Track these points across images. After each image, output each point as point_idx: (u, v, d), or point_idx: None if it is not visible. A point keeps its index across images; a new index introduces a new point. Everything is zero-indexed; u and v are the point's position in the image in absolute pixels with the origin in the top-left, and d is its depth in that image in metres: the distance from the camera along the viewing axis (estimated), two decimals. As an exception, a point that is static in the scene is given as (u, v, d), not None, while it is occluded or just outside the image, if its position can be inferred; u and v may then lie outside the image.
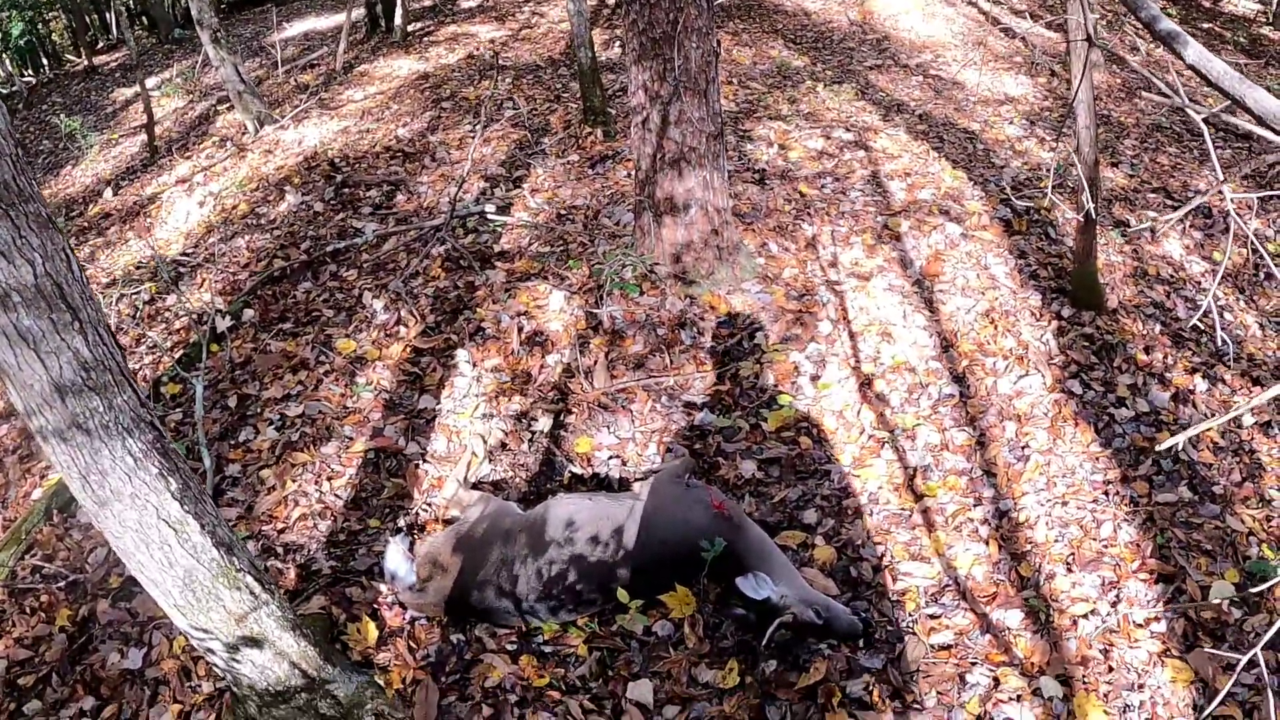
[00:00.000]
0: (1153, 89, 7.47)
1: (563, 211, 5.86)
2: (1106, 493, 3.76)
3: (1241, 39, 9.90)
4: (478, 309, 4.91)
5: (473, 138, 6.95)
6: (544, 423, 4.27)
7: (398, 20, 10.70)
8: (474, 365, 4.57)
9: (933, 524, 3.71)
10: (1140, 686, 2.99)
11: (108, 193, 8.12)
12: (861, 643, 3.22)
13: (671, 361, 4.56)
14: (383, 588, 3.52)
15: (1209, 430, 4.06)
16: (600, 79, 6.97)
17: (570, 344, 4.64)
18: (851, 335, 4.68)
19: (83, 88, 13.00)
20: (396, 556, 3.51)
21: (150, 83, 10.99)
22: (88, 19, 16.61)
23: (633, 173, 5.08)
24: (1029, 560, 3.50)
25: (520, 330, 4.74)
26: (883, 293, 4.94)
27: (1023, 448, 4.02)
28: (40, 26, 15.34)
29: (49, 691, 3.28)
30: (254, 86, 8.55)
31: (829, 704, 3.00)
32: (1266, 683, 2.08)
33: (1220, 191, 1.64)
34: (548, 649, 3.28)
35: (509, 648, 3.28)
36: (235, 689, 2.85)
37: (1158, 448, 3.83)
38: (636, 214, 5.08)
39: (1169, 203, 6.02)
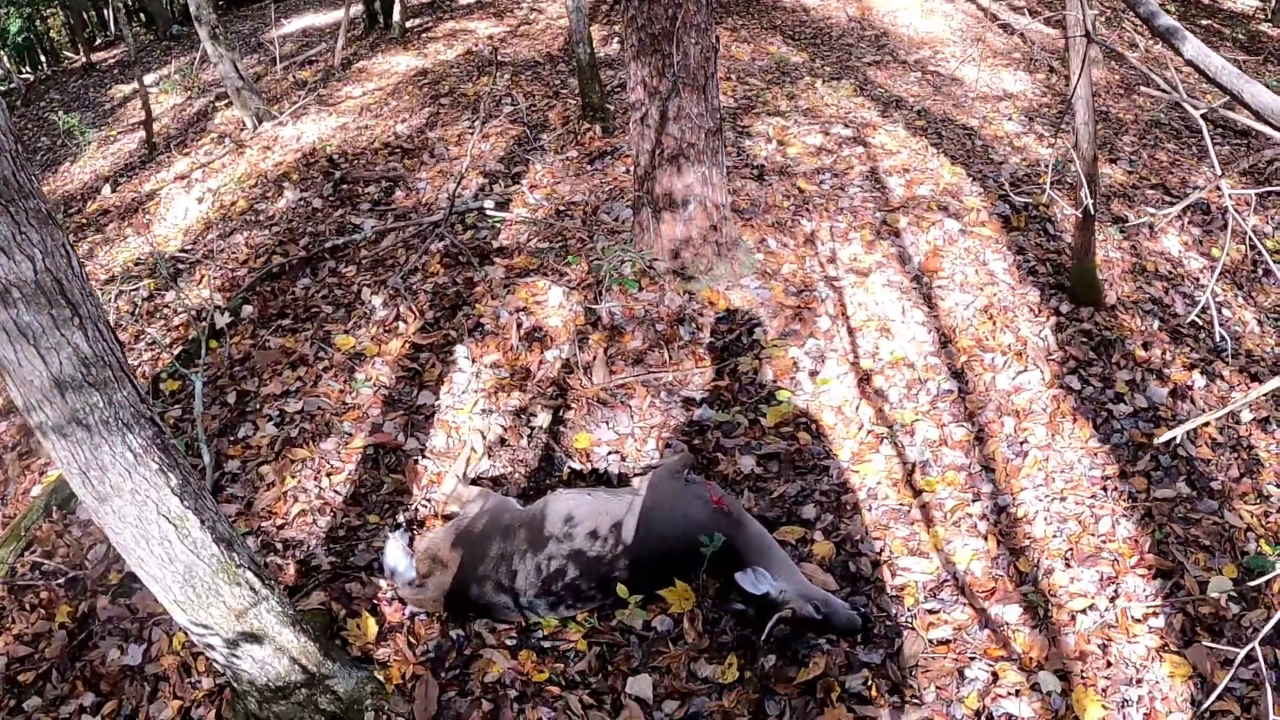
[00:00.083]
0: (1151, 85, 7.47)
1: (561, 207, 5.86)
2: (1105, 488, 3.77)
3: (1240, 35, 9.91)
4: (477, 305, 4.91)
5: (471, 134, 6.95)
6: (543, 418, 4.27)
7: (396, 16, 10.69)
8: (473, 361, 4.58)
9: (931, 519, 3.72)
10: (1138, 681, 3.00)
11: (106, 189, 8.11)
12: (860, 638, 3.22)
13: (670, 357, 4.57)
14: (382, 583, 3.52)
15: (1207, 426, 4.07)
16: (599, 75, 6.96)
17: (569, 340, 4.64)
18: (850, 331, 4.69)
19: (81, 84, 12.98)
20: (396, 552, 3.51)
21: (148, 79, 10.98)
22: (86, 16, 16.58)
23: (631, 169, 5.08)
24: (1027, 555, 3.51)
25: (519, 326, 4.74)
26: (881, 288, 4.95)
27: (1021, 443, 4.02)
28: (38, 23, 15.31)
29: (49, 688, 3.28)
30: (252, 83, 8.54)
31: (828, 699, 3.01)
32: (1264, 677, 2.08)
33: (1218, 187, 1.64)
34: (547, 644, 3.29)
35: (508, 643, 3.29)
36: (235, 685, 2.85)
37: (1155, 441, 3.86)
38: (635, 210, 5.08)
39: (1168, 199, 6.03)
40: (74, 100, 12.12)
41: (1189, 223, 5.72)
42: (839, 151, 6.39)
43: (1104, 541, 3.52)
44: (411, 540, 3.65)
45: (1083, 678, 3.02)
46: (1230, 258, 5.35)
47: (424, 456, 4.14)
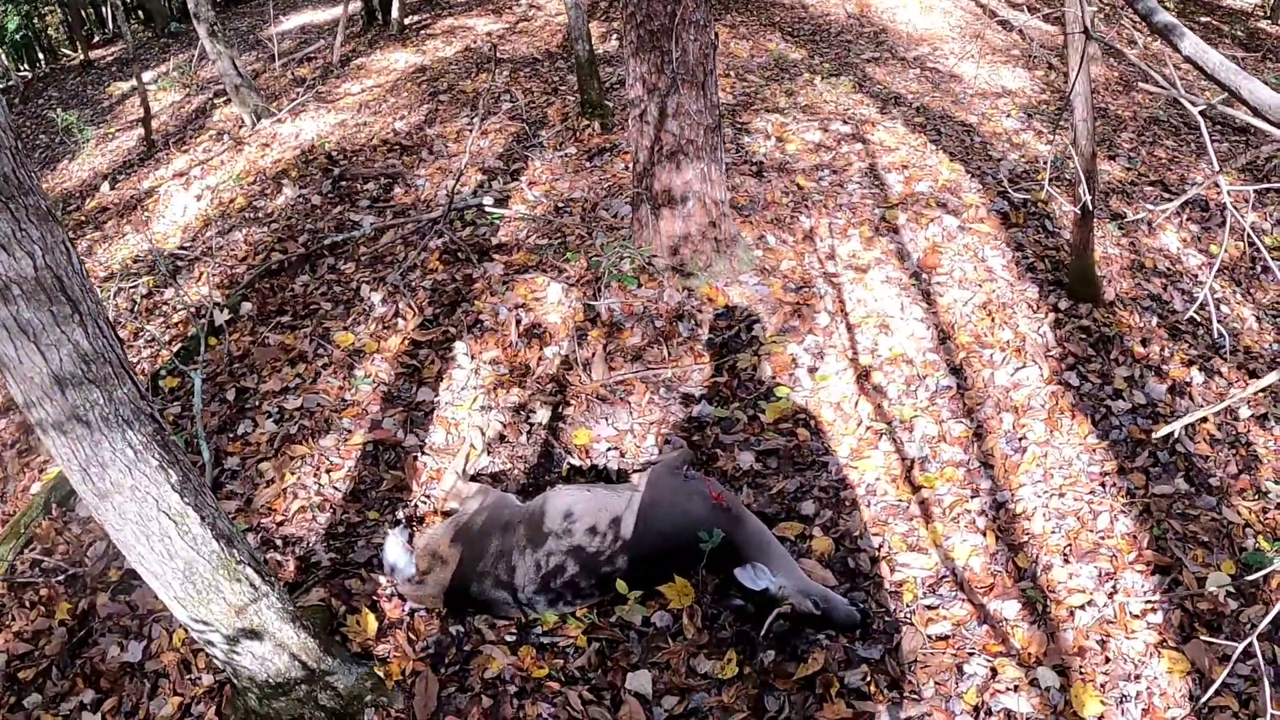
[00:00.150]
0: (1150, 81, 7.48)
1: (560, 204, 5.86)
2: (1103, 484, 3.77)
3: (1239, 32, 9.91)
4: (476, 301, 4.91)
5: (470, 131, 6.95)
6: (542, 415, 4.28)
7: (394, 13, 10.68)
8: (472, 358, 4.58)
9: (930, 515, 3.73)
10: (1137, 677, 3.01)
11: (105, 187, 8.11)
12: (859, 633, 3.23)
13: (669, 353, 4.57)
14: (382, 580, 3.53)
15: (1206, 423, 4.07)
16: (598, 72, 6.96)
17: (568, 336, 4.65)
18: (849, 327, 4.69)
19: (79, 82, 12.97)
20: (396, 548, 3.52)
21: (147, 77, 10.97)
22: (84, 13, 16.55)
23: (630, 165, 5.08)
24: (1026, 551, 3.51)
25: (518, 323, 4.74)
26: (880, 285, 4.95)
27: (1020, 439, 4.03)
28: (36, 21, 15.28)
29: (49, 685, 3.29)
30: (251, 80, 8.54)
31: (827, 694, 3.02)
32: (1262, 673, 2.08)
33: (1216, 183, 1.65)
34: (547, 640, 3.30)
35: (508, 639, 3.29)
36: (235, 681, 2.86)
37: (1154, 436, 3.86)
38: (634, 206, 5.08)
39: (1166, 196, 6.03)
40: (72, 98, 12.11)
41: (1187, 219, 5.72)
42: (838, 148, 6.39)
43: (1102, 537, 3.52)
44: (411, 537, 3.65)
45: (1081, 673, 3.03)
46: (1228, 254, 5.35)
47: (423, 453, 4.14)
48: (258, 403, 4.48)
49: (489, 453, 4.13)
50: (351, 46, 10.50)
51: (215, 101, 9.62)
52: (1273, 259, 5.27)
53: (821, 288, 4.94)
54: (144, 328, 5.32)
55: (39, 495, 4.10)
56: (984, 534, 3.61)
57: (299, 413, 4.38)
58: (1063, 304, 4.77)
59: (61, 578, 3.70)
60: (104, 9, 16.98)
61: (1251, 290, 5.15)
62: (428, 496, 3.95)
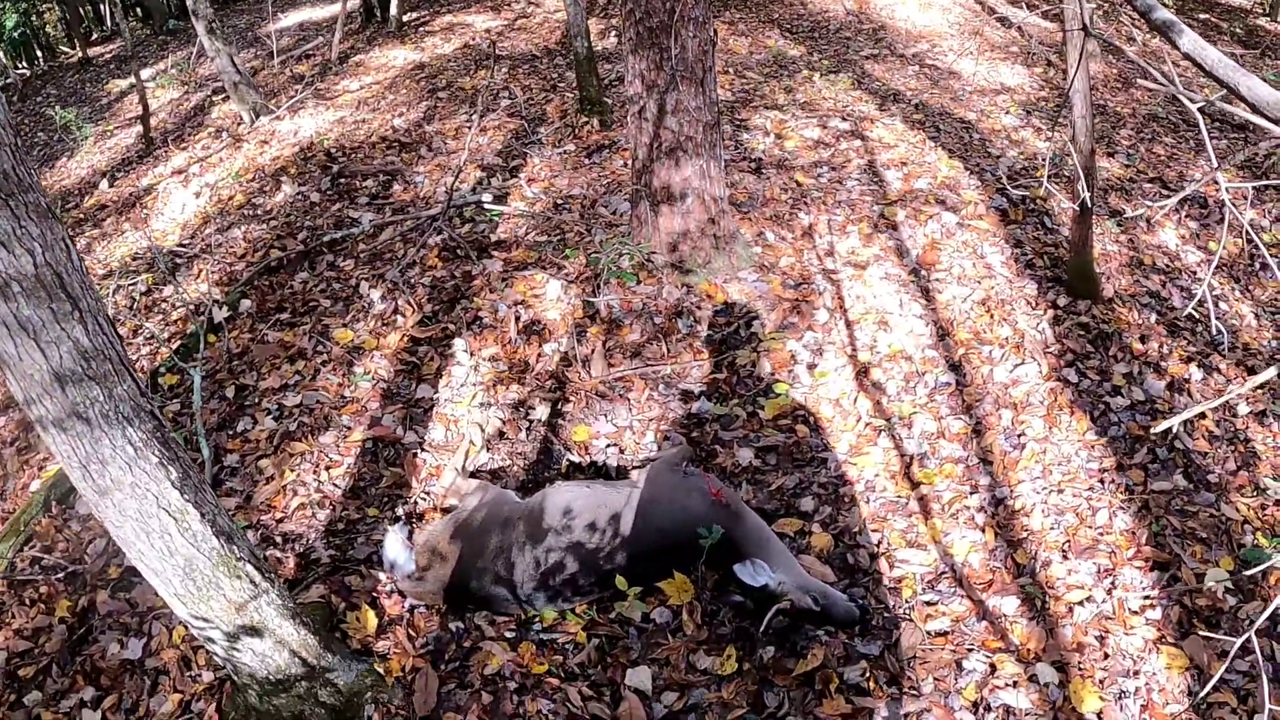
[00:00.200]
0: (1149, 78, 7.48)
1: (559, 201, 5.86)
2: (1102, 480, 3.78)
3: (1238, 29, 9.91)
4: (475, 298, 4.91)
5: (469, 128, 6.94)
6: (541, 411, 4.28)
7: (393, 10, 10.67)
8: (471, 354, 4.58)
9: (929, 511, 3.73)
10: (1135, 673, 3.01)
11: (103, 184, 8.10)
12: (858, 629, 3.24)
13: (669, 350, 4.57)
14: (382, 576, 3.53)
15: (1204, 419, 4.08)
16: (597, 68, 6.96)
17: (567, 333, 4.65)
18: (848, 324, 4.69)
19: (77, 79, 12.96)
20: (395, 545, 3.52)
21: (145, 74, 10.95)
22: (82, 10, 16.53)
23: (629, 162, 5.08)
24: (1025, 547, 3.52)
25: (517, 319, 4.74)
26: (879, 281, 4.95)
27: (1019, 436, 4.03)
28: (34, 18, 15.26)
29: (49, 682, 3.29)
30: (249, 77, 8.53)
31: (826, 690, 3.02)
32: (1260, 669, 2.09)
33: (1215, 180, 1.65)
34: (546, 636, 3.30)
35: (508, 635, 3.29)
36: (235, 678, 2.86)
37: (1152, 431, 3.87)
38: (633, 203, 5.08)
39: (1165, 192, 6.03)
40: (70, 95, 12.10)
41: (1186, 216, 5.73)
42: (837, 145, 6.39)
43: (1101, 534, 3.53)
44: (411, 533, 3.66)
45: (1080, 669, 3.04)
46: (1227, 251, 5.36)
47: (423, 450, 4.14)
48: (257, 400, 4.49)
49: (488, 449, 4.14)
50: (350, 43, 10.49)
51: (214, 99, 9.61)
52: (1271, 256, 5.28)
53: (820, 284, 4.94)
54: (143, 325, 5.32)
55: (39, 492, 4.10)
56: (983, 530, 3.62)
57: (298, 410, 4.38)
58: (1061, 300, 4.77)
59: (61, 575, 3.71)
60: (102, 6, 16.96)
61: (1250, 287, 5.15)
62: (427, 493, 3.95)
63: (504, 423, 4.24)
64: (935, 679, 3.06)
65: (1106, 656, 3.07)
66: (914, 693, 3.03)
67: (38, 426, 2.23)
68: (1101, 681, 2.99)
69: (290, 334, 4.88)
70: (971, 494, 3.79)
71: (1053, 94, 7.58)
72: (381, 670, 3.08)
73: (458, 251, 5.34)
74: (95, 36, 16.46)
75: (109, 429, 2.23)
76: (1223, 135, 6.93)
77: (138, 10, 16.70)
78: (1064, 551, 3.47)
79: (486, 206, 5.76)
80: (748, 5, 9.89)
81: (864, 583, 3.46)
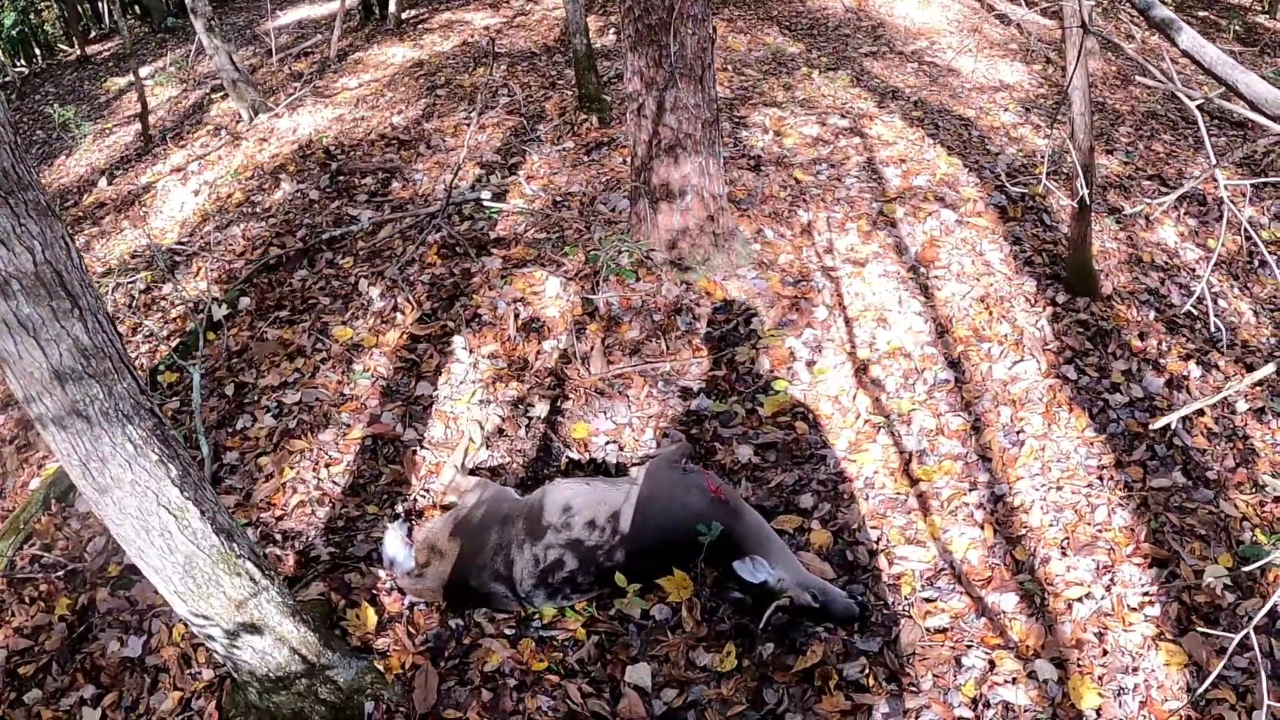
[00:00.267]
0: (1148, 75, 7.48)
1: (558, 198, 5.86)
2: (1101, 477, 3.78)
3: (1237, 27, 9.90)
4: (474, 296, 4.91)
5: (468, 125, 6.94)
6: (541, 408, 4.28)
7: (392, 8, 10.66)
8: (471, 352, 4.58)
9: (928, 508, 3.74)
10: (1134, 669, 3.02)
11: (102, 182, 8.10)
12: (858, 626, 3.24)
13: (668, 347, 4.57)
14: (381, 573, 3.54)
15: (1203, 416, 4.08)
16: (596, 66, 6.95)
17: (567, 330, 4.65)
18: (847, 321, 4.69)
19: (76, 77, 12.94)
20: (395, 542, 3.52)
21: (144, 72, 10.95)
22: (80, 8, 16.50)
23: (628, 159, 5.08)
24: (1024, 544, 3.52)
25: (517, 317, 4.74)
26: (878, 278, 4.95)
27: (1018, 433, 4.03)
28: (33, 16, 15.24)
29: (49, 680, 3.29)
30: (248, 75, 8.52)
31: (826, 686, 3.03)
32: (1259, 665, 2.09)
33: (1213, 177, 1.65)
34: (546, 633, 3.30)
35: (507, 632, 3.30)
36: (235, 675, 2.86)
37: (1151, 427, 3.87)
38: (632, 200, 5.08)
39: (1164, 189, 6.03)
40: (69, 93, 12.09)
41: (1185, 213, 5.73)
42: (836, 142, 6.39)
43: (1100, 530, 3.53)
44: (410, 530, 3.66)
45: (1079, 666, 3.04)
46: (1226, 248, 5.36)
47: (422, 447, 4.14)
48: (256, 397, 4.49)
49: (488, 446, 4.14)
50: (349, 41, 10.49)
51: (212, 96, 9.61)
52: (1270, 253, 5.28)
53: (819, 281, 4.94)
54: (142, 323, 5.32)
55: (38, 490, 4.10)
56: (982, 527, 3.62)
57: (298, 407, 4.38)
58: (1060, 298, 4.77)
59: (61, 573, 3.71)
60: (100, 4, 16.93)
61: (1249, 284, 5.16)
62: (427, 490, 3.95)
63: (503, 420, 4.24)
64: (934, 675, 3.07)
65: (1105, 653, 3.07)
66: (913, 689, 3.03)
67: (37, 424, 2.23)
68: (1100, 678, 3.00)
69: (289, 331, 4.88)
70: (970, 491, 3.80)
71: (1051, 91, 7.58)
72: (381, 667, 3.09)
73: (457, 249, 5.34)
74: (94, 34, 16.44)
75: (109, 427, 2.23)
76: (1221, 132, 6.94)
77: (136, 8, 16.68)
78: (1063, 548, 3.47)
79: (485, 204, 5.76)
80: (746, 2, 9.88)
81: (863, 579, 3.46)
